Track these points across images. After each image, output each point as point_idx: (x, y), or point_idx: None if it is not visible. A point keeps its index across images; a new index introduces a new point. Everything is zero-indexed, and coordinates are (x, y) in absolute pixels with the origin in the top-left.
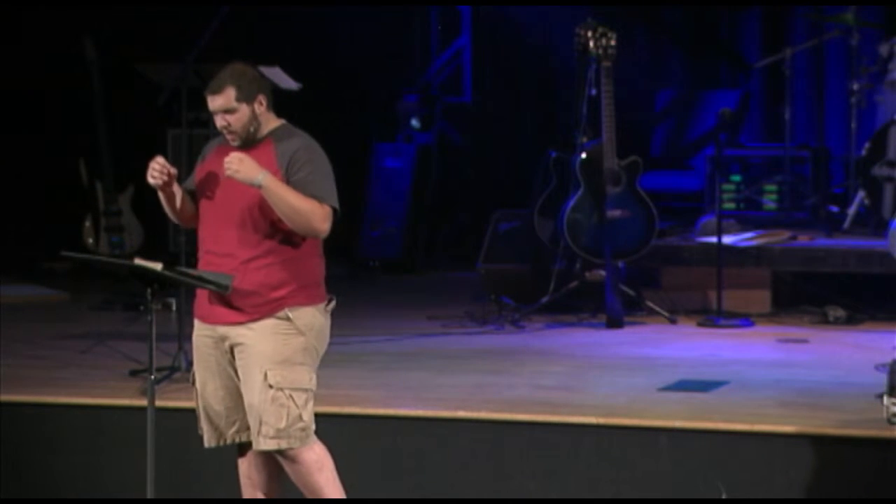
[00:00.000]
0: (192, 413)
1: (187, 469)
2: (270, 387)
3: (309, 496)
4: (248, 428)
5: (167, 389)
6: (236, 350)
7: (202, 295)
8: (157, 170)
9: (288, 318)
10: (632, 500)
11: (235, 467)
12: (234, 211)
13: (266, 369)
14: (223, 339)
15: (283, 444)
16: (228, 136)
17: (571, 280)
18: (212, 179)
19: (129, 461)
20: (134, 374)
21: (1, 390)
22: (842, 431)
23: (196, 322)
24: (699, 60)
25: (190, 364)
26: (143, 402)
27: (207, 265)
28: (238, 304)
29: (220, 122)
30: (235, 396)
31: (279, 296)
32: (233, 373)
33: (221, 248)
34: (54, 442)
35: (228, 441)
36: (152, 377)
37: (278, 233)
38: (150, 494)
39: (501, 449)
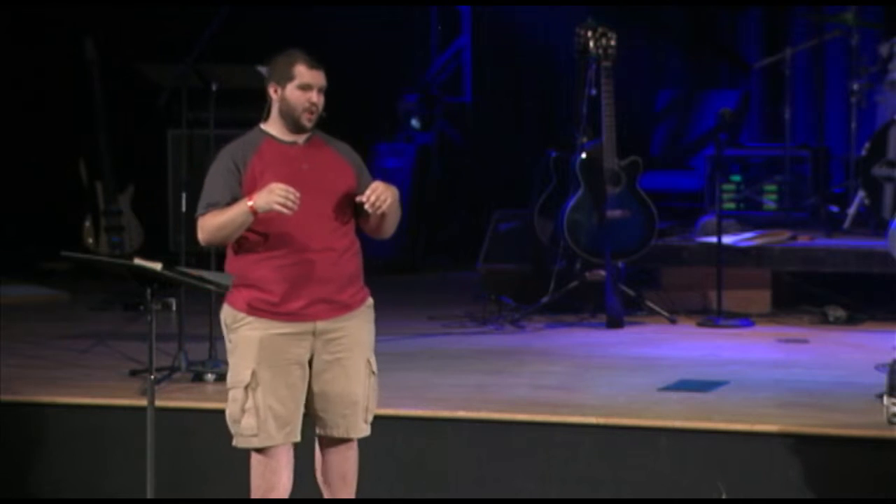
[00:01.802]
0: (192, 413)
1: (187, 469)
2: (373, 373)
3: (342, 490)
4: (295, 428)
5: (167, 389)
6: (334, 342)
7: (289, 292)
8: (291, 198)
9: (371, 307)
10: (632, 500)
11: (235, 467)
12: (326, 205)
13: (367, 356)
14: (318, 334)
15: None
16: (309, 116)
17: (571, 280)
18: (288, 180)
19: (129, 461)
20: (134, 374)
21: (1, 390)
22: (842, 431)
23: (267, 321)
24: (699, 60)
25: (190, 364)
26: (143, 402)
27: (301, 264)
28: (341, 297)
29: (313, 97)
30: (297, 395)
31: (362, 284)
32: (306, 370)
33: (318, 244)
34: (54, 442)
35: (280, 441)
36: (152, 377)
37: (352, 226)
38: (150, 494)
39: (501, 449)
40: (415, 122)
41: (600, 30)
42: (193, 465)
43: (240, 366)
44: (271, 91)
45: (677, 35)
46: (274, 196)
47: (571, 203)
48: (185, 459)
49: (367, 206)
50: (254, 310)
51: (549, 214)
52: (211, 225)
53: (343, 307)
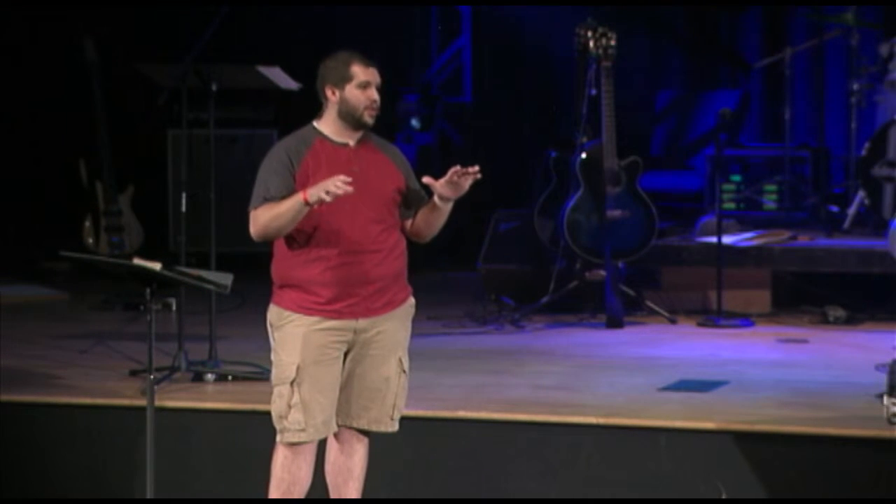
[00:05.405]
0: (192, 413)
1: (187, 469)
2: (404, 371)
3: (353, 490)
4: (333, 420)
5: (167, 389)
6: (372, 340)
7: (336, 292)
8: (339, 182)
9: (412, 306)
10: (632, 500)
11: (235, 467)
12: (374, 206)
13: (400, 355)
14: (359, 331)
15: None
16: (371, 113)
17: (571, 280)
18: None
19: (129, 461)
20: (134, 374)
21: (1, 390)
22: (842, 431)
23: (311, 318)
24: (699, 60)
25: (190, 364)
26: (143, 402)
27: (348, 265)
28: (384, 296)
29: (372, 95)
30: (337, 388)
31: (405, 283)
32: (341, 367)
33: (365, 246)
34: (54, 442)
35: (324, 434)
36: (152, 377)
37: (398, 225)
38: (149, 494)
39: (501, 449)
40: (415, 122)
41: (600, 30)
42: (193, 465)
43: (285, 362)
44: (328, 93)
45: (677, 35)
46: (325, 183)
47: (571, 203)
48: (185, 459)
49: (451, 174)
50: (300, 308)
51: (549, 214)
52: (265, 217)
53: (385, 306)
